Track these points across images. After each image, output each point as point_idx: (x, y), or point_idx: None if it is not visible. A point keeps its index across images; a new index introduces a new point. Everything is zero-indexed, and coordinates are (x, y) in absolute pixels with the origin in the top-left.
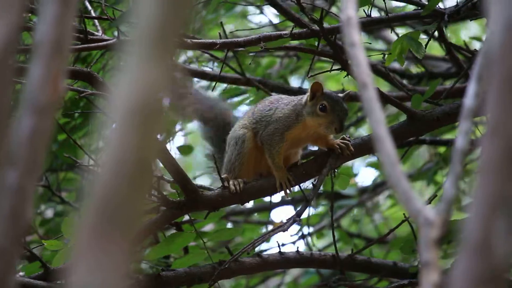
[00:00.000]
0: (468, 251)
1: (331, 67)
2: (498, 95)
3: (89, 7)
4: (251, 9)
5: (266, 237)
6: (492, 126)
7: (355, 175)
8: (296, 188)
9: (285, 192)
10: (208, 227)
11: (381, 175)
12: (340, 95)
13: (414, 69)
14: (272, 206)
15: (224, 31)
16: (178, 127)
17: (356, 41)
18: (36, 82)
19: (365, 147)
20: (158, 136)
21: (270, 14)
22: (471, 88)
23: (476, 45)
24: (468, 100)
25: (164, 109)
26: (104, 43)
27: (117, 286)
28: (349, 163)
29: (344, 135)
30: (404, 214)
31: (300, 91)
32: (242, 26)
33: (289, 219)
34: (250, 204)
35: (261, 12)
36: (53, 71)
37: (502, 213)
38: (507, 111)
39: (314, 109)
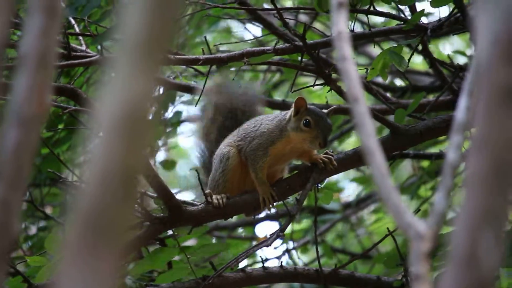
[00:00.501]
0: (455, 263)
1: (314, 82)
2: (485, 109)
3: (73, 22)
4: (235, 24)
5: (249, 252)
6: (479, 139)
7: (341, 190)
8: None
9: (268, 208)
10: (192, 242)
11: (365, 189)
12: (325, 110)
13: (398, 82)
14: (256, 221)
15: (208, 47)
16: (160, 142)
17: (347, 55)
18: (21, 95)
19: (349, 161)
20: (143, 150)
21: (255, 28)
22: (462, 102)
23: (460, 59)
24: (459, 113)
25: (150, 122)
26: (87, 59)
27: None
28: (335, 178)
29: (327, 150)
30: (387, 228)
31: (283, 104)
32: (227, 41)
33: (272, 234)
34: (234, 219)
35: (245, 28)
36: (39, 83)
37: (489, 226)
38: (494, 125)
39: (298, 124)
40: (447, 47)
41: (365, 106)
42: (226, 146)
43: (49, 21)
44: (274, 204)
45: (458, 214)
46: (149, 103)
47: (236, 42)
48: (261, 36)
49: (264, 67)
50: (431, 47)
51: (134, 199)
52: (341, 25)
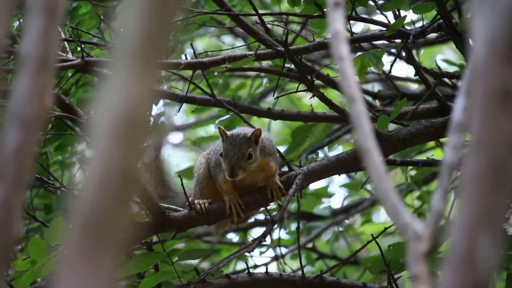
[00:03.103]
0: (452, 264)
1: (297, 88)
2: (481, 110)
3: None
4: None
5: (230, 258)
6: (475, 141)
7: (331, 195)
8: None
9: (234, 216)
10: (180, 246)
11: (351, 195)
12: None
13: (387, 91)
14: (247, 227)
15: (194, 52)
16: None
17: (344, 54)
18: (22, 96)
19: (332, 167)
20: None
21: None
22: (459, 103)
23: (450, 69)
24: (457, 114)
25: (148, 124)
26: (69, 63)
27: None
28: (325, 183)
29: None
30: (372, 235)
31: (269, 112)
32: (216, 47)
33: (255, 240)
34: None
35: (232, 32)
36: (39, 85)
37: (486, 227)
38: (490, 126)
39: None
40: (438, 57)
41: (362, 106)
42: (201, 155)
43: (49, 23)
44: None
45: (455, 215)
46: (147, 106)
47: (225, 49)
48: (248, 44)
49: (253, 74)
50: (422, 56)
51: (132, 202)
52: (337, 24)
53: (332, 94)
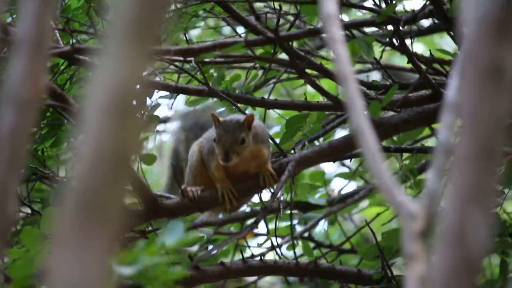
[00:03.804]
0: (444, 241)
1: (288, 75)
2: (472, 88)
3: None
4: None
5: (222, 245)
6: (466, 118)
7: (328, 182)
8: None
9: (226, 203)
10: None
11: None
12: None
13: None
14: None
15: (187, 40)
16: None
17: (337, 35)
18: (17, 78)
19: (324, 154)
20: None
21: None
22: (453, 82)
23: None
24: (450, 93)
25: (142, 103)
26: (58, 50)
27: (98, 280)
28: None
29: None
30: (366, 220)
31: (262, 102)
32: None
33: (247, 226)
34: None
35: (228, 24)
36: (34, 67)
37: (477, 204)
38: (481, 104)
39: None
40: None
41: (355, 85)
42: (195, 144)
43: (43, 5)
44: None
45: (446, 192)
46: (139, 85)
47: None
48: (239, 34)
49: (247, 66)
50: (417, 46)
51: (126, 180)
52: (330, 7)
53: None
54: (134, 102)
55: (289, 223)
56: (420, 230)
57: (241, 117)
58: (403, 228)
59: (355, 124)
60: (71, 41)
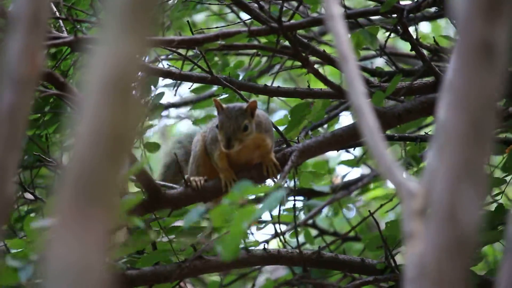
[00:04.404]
0: (436, 219)
1: (292, 64)
2: (462, 64)
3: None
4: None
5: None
6: (456, 95)
7: (331, 170)
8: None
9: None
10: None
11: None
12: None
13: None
14: None
15: (191, 30)
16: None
17: (335, 13)
18: (14, 57)
19: (327, 144)
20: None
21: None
22: (451, 62)
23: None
24: (449, 73)
25: (140, 83)
26: (61, 40)
27: (96, 261)
28: (324, 158)
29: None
30: (369, 211)
31: (265, 90)
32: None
33: None
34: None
35: (232, 11)
36: (31, 45)
37: (468, 181)
38: (472, 80)
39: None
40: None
41: (355, 64)
42: (198, 133)
43: None
44: None
45: (437, 169)
46: (137, 65)
47: (223, 27)
48: (243, 21)
49: (251, 52)
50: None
51: (124, 160)
52: None
53: (334, 72)
54: (133, 84)
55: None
56: (419, 209)
57: (244, 104)
58: (402, 207)
59: (355, 103)
60: (74, 30)
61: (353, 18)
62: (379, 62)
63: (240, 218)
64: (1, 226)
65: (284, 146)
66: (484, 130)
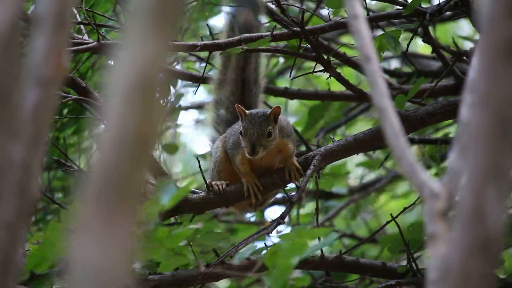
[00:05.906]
0: (461, 220)
1: (314, 68)
2: (487, 64)
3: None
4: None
5: (249, 240)
6: (481, 96)
7: (347, 173)
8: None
9: (252, 197)
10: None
11: (370, 173)
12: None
13: (405, 68)
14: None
15: (211, 33)
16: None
17: (359, 13)
18: (39, 56)
19: (349, 147)
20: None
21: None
22: (474, 61)
23: (467, 45)
24: (472, 72)
25: (164, 85)
26: (85, 46)
27: (120, 262)
28: (341, 162)
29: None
30: (391, 214)
31: (285, 92)
32: None
33: (273, 221)
34: None
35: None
36: (56, 45)
37: (493, 182)
38: (497, 80)
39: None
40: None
41: (377, 65)
42: (218, 139)
43: None
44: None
45: (461, 170)
46: (161, 68)
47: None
48: (264, 24)
49: (269, 54)
50: (439, 32)
51: (148, 164)
52: None
53: (349, 72)
54: (157, 87)
55: (310, 210)
56: (442, 209)
57: (267, 109)
58: (425, 207)
59: (378, 105)
60: (97, 36)
61: (376, 22)
62: (395, 62)
63: (290, 253)
64: (26, 226)
65: (304, 149)
66: (509, 130)
